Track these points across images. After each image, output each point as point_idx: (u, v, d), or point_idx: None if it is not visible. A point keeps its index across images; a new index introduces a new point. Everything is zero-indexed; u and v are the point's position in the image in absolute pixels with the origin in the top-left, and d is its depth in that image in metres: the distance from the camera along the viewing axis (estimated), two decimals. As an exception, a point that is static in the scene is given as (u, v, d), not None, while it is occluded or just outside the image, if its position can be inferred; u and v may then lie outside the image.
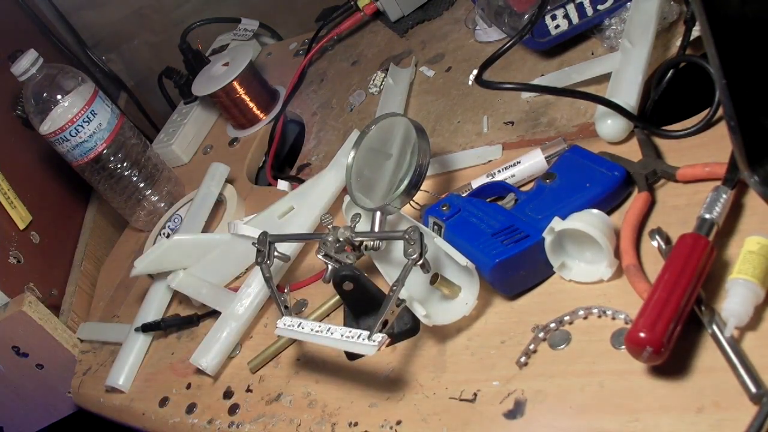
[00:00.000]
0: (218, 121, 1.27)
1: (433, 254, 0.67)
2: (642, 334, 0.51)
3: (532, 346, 0.60)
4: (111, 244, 1.22)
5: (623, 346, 0.55)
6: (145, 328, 0.90)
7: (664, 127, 0.71)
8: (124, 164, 1.08)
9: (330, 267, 0.70)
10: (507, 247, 0.64)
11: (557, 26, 0.83)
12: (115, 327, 0.99)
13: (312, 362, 0.74)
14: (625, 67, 0.75)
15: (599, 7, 0.81)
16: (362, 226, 0.75)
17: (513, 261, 0.63)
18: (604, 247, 0.60)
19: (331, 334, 0.64)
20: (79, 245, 1.22)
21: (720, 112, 0.66)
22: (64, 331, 1.01)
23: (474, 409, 0.60)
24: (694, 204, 0.60)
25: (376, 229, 0.72)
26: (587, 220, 0.61)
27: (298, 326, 0.68)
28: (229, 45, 1.37)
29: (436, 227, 0.70)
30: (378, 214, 0.72)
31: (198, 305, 0.89)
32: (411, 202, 0.75)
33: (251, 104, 1.17)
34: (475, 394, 0.60)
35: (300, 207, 0.87)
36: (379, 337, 0.61)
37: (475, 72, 0.76)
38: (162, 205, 1.11)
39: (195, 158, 1.24)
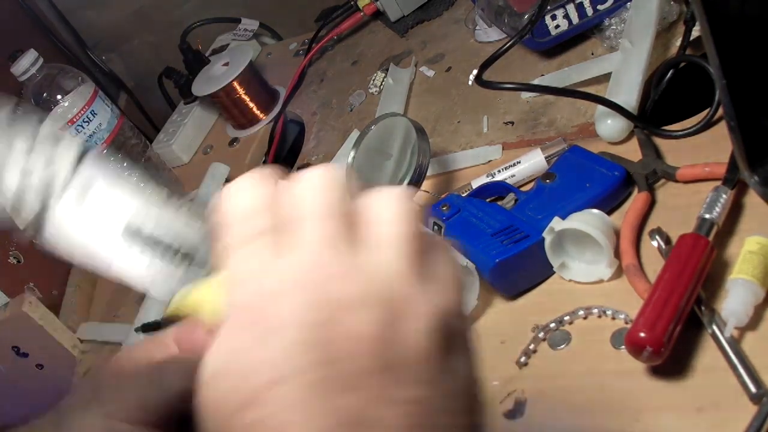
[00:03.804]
0: (218, 121, 1.27)
1: (433, 254, 0.67)
2: (642, 334, 0.51)
3: (532, 346, 0.60)
4: (111, 244, 1.22)
5: (623, 346, 0.55)
6: (145, 328, 0.90)
7: (664, 127, 0.71)
8: (124, 164, 1.07)
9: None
10: (507, 247, 0.64)
11: (557, 26, 0.83)
12: (115, 327, 0.99)
13: (312, 362, 0.74)
14: (625, 67, 0.75)
15: (599, 7, 0.81)
16: (362, 226, 0.75)
17: (513, 261, 0.63)
18: (604, 247, 0.60)
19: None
20: (79, 245, 1.22)
21: (720, 112, 0.66)
22: (64, 331, 1.01)
23: (474, 409, 0.60)
24: (694, 204, 0.60)
25: (376, 229, 0.72)
26: (587, 220, 0.61)
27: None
28: (229, 45, 1.36)
29: (436, 227, 0.70)
30: (378, 214, 0.72)
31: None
32: (411, 202, 0.74)
33: (251, 104, 1.17)
34: (475, 394, 0.60)
35: (300, 207, 0.87)
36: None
37: (475, 72, 0.76)
38: (162, 205, 1.11)
39: (195, 158, 1.24)
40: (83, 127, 1.02)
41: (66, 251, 0.40)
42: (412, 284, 0.32)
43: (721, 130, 0.66)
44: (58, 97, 1.01)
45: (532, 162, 0.75)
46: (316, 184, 0.34)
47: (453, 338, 0.33)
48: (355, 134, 0.85)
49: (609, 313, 0.59)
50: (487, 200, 0.73)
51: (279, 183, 0.35)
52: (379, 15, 1.19)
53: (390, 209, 0.34)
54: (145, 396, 0.44)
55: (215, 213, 0.35)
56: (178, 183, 1.15)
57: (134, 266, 0.40)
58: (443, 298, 0.33)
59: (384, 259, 0.32)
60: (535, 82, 0.82)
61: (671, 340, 0.51)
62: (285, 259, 0.32)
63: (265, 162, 1.12)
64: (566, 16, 0.82)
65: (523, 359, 0.60)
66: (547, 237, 0.62)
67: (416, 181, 0.72)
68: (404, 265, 0.32)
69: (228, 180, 1.04)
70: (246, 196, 0.34)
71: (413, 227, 0.33)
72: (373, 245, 0.33)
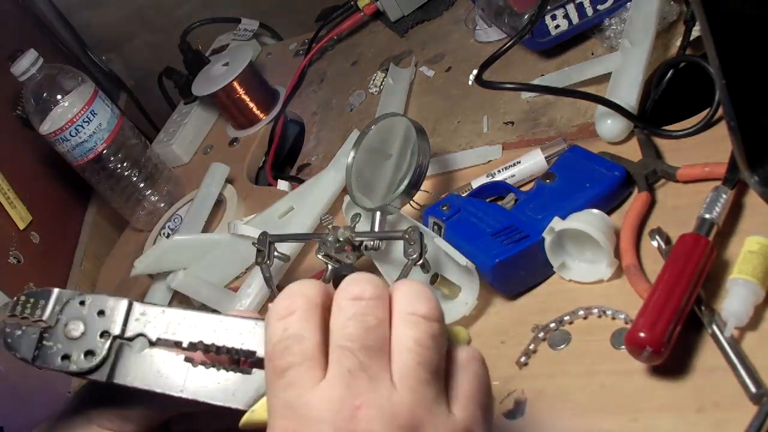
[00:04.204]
0: (218, 121, 1.27)
1: (433, 254, 0.67)
2: (642, 334, 0.51)
3: (532, 346, 0.60)
4: (111, 244, 1.22)
5: (623, 346, 0.55)
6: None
7: (664, 127, 0.71)
8: (124, 164, 1.08)
9: (330, 267, 0.70)
10: (507, 247, 0.64)
11: (557, 26, 0.83)
12: (115, 327, 0.99)
13: (312, 362, 0.74)
14: (625, 67, 0.75)
15: (599, 7, 0.81)
16: (362, 226, 0.75)
17: (513, 261, 0.63)
18: (604, 247, 0.60)
19: (331, 334, 0.64)
20: (79, 245, 1.22)
21: (720, 112, 0.66)
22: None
23: (474, 409, 0.60)
24: (694, 204, 0.60)
25: (376, 229, 0.72)
26: (587, 220, 0.61)
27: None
28: (229, 45, 1.36)
29: (436, 227, 0.70)
30: (378, 214, 0.72)
31: (198, 305, 0.89)
32: (411, 202, 0.75)
33: (251, 104, 1.17)
34: (475, 394, 0.60)
35: (300, 207, 0.87)
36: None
37: (475, 72, 0.76)
38: (162, 205, 1.11)
39: (195, 158, 1.24)
40: (83, 127, 1.02)
41: (138, 385, 0.43)
42: (439, 415, 0.37)
43: (721, 130, 0.66)
44: (58, 97, 1.01)
45: (532, 162, 0.75)
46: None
47: None
48: (355, 134, 0.85)
49: (609, 313, 0.59)
50: (487, 200, 0.73)
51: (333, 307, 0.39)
52: (379, 15, 1.19)
53: (415, 334, 0.38)
54: (126, 405, 0.46)
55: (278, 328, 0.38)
56: (178, 183, 1.15)
57: (205, 385, 0.41)
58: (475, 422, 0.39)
59: (411, 394, 0.37)
60: (535, 82, 0.82)
61: (671, 340, 0.51)
62: (322, 392, 0.36)
63: (264, 162, 1.12)
64: (566, 16, 0.82)
65: (523, 359, 0.60)
66: (547, 237, 0.62)
67: (416, 181, 0.72)
68: (430, 396, 0.37)
69: (229, 180, 1.04)
70: (304, 322, 0.38)
71: (436, 353, 0.38)
72: (399, 377, 0.37)
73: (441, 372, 0.38)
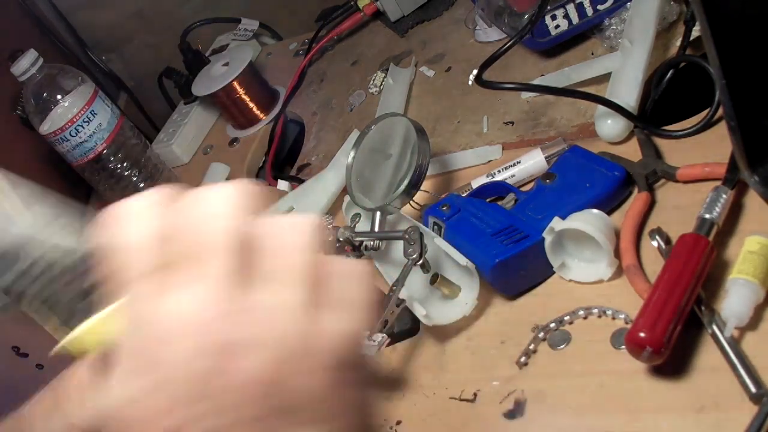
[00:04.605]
0: (218, 121, 1.27)
1: (433, 254, 0.67)
2: (642, 334, 0.51)
3: (532, 346, 0.60)
4: (111, 244, 1.22)
5: (623, 346, 0.55)
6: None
7: (664, 127, 0.71)
8: (124, 164, 1.08)
9: (330, 267, 0.70)
10: (507, 247, 0.64)
11: (557, 26, 0.83)
12: (115, 327, 0.99)
13: (312, 362, 0.74)
14: (625, 67, 0.75)
15: (599, 7, 0.81)
16: (362, 226, 0.75)
17: (513, 261, 0.63)
18: (604, 247, 0.60)
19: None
20: (79, 245, 1.21)
21: (720, 112, 0.66)
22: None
23: (474, 409, 0.60)
24: (694, 204, 0.60)
25: (376, 229, 0.72)
26: (587, 220, 0.61)
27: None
28: (229, 45, 1.36)
29: (436, 227, 0.70)
30: (378, 214, 0.72)
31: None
32: (411, 202, 0.75)
33: (251, 104, 1.17)
34: (475, 394, 0.60)
35: (300, 207, 0.87)
36: (379, 337, 0.61)
37: (475, 72, 0.76)
38: (162, 205, 1.11)
39: (195, 158, 1.24)
40: (83, 127, 1.02)
41: None
42: (307, 320, 0.31)
43: (721, 130, 0.66)
44: (58, 97, 1.01)
45: (532, 162, 0.75)
46: (217, 209, 0.32)
47: (352, 370, 0.32)
48: (355, 134, 0.85)
49: (609, 313, 0.59)
50: (487, 200, 0.73)
51: (178, 204, 0.33)
52: (379, 15, 1.19)
53: (288, 238, 0.32)
54: None
55: (106, 242, 0.33)
56: (178, 183, 1.15)
57: None
58: (343, 329, 0.32)
59: (278, 295, 0.31)
60: (535, 82, 0.82)
61: (671, 340, 0.51)
62: (178, 299, 0.30)
63: (264, 162, 1.12)
64: (566, 16, 0.82)
65: (523, 359, 0.60)
66: (547, 237, 0.62)
67: (416, 181, 0.72)
68: (299, 299, 0.31)
69: (228, 180, 1.04)
70: (140, 224, 0.32)
71: (310, 257, 0.32)
72: (269, 279, 0.31)
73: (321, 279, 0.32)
